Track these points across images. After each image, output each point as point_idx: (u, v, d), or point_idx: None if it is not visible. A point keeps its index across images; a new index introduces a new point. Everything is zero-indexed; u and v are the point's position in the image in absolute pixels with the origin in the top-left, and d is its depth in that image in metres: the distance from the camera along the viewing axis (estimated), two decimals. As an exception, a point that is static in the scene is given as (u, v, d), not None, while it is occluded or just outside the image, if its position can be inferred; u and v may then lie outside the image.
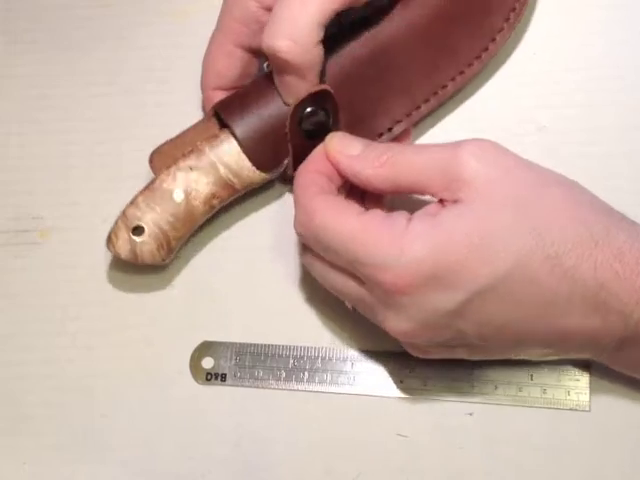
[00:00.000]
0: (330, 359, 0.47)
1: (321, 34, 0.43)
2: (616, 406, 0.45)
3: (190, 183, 0.46)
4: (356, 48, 0.47)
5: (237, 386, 0.47)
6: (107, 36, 0.53)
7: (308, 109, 0.46)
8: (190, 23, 0.52)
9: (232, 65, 0.47)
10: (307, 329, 0.48)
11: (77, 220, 0.50)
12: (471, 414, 0.46)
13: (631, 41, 0.51)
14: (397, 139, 0.48)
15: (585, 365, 0.46)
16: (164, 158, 0.46)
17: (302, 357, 0.47)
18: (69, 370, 0.48)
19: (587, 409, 0.45)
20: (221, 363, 0.47)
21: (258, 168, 0.46)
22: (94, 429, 0.47)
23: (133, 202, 0.46)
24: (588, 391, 0.45)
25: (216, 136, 0.46)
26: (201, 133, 0.47)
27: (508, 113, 0.50)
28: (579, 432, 0.45)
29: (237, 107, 0.46)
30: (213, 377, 0.47)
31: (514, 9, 0.48)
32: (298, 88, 0.45)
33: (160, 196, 0.46)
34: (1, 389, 0.48)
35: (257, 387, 0.47)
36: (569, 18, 0.52)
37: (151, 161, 0.47)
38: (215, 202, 0.46)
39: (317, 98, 0.45)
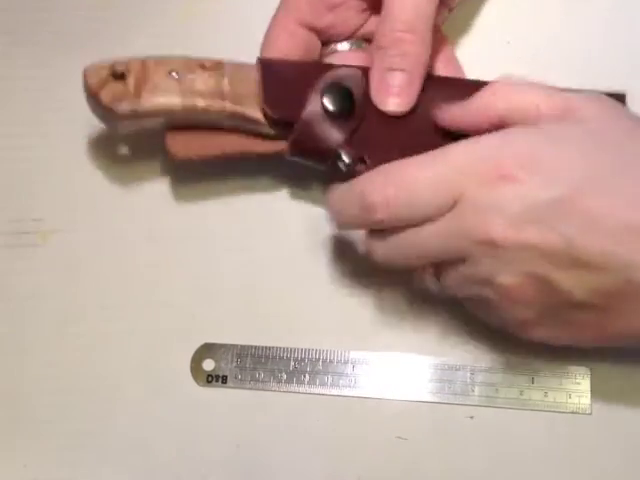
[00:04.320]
0: (331, 361, 0.47)
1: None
2: (617, 409, 0.45)
3: (193, 73, 0.45)
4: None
5: (238, 388, 0.47)
6: (108, 37, 0.53)
7: (326, 99, 0.45)
8: (191, 25, 0.52)
9: (294, 45, 0.47)
10: (308, 331, 0.48)
11: (77, 222, 0.50)
12: (472, 417, 0.46)
13: (632, 43, 0.51)
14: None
15: (586, 368, 0.46)
16: None
17: (303, 359, 0.47)
18: (70, 372, 0.48)
19: (588, 412, 0.45)
20: (222, 365, 0.47)
21: (266, 109, 0.45)
22: (95, 431, 0.47)
23: (141, 59, 0.45)
24: (589, 394, 0.45)
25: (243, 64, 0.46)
26: None
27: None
28: (580, 435, 0.45)
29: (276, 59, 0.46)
30: (214, 379, 0.47)
31: None
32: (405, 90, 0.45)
33: (160, 64, 0.45)
34: (1, 391, 0.48)
35: (258, 389, 0.47)
36: (570, 19, 0.52)
37: None
38: (200, 103, 0.45)
39: (347, 79, 0.45)
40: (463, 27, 0.52)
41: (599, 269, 0.38)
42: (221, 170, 0.49)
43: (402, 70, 0.44)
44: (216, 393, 0.47)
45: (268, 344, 0.47)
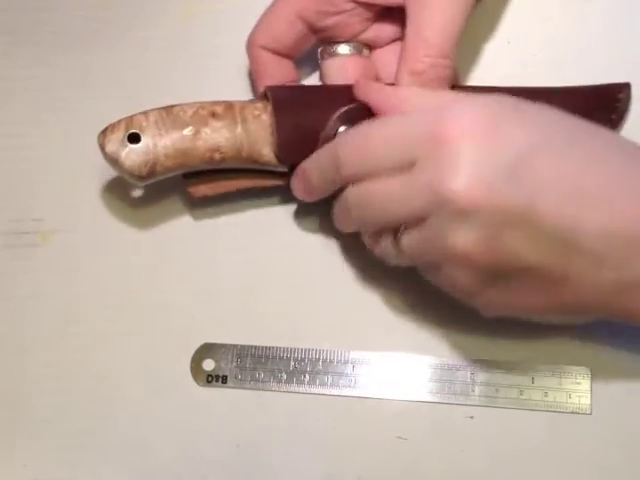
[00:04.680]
0: (331, 361, 0.47)
1: None
2: (617, 409, 0.45)
3: (206, 125, 0.45)
4: None
5: (238, 388, 0.47)
6: (108, 37, 0.53)
7: (341, 128, 0.45)
8: (191, 25, 0.52)
9: (289, 33, 0.47)
10: (308, 331, 0.48)
11: (78, 222, 0.50)
12: (472, 417, 0.46)
13: (632, 43, 0.51)
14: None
15: (586, 368, 0.46)
16: None
17: (303, 359, 0.47)
18: (70, 372, 0.48)
19: (588, 412, 0.45)
20: (222, 365, 0.47)
21: (279, 149, 0.45)
22: (95, 431, 0.47)
23: (146, 113, 0.45)
24: (589, 394, 0.45)
25: (253, 101, 0.47)
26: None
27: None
28: (580, 435, 0.45)
29: (287, 91, 0.47)
30: (214, 379, 0.47)
31: None
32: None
33: (172, 121, 0.45)
34: (1, 391, 0.48)
35: (258, 389, 0.47)
36: (570, 19, 0.52)
37: None
38: (217, 156, 0.46)
39: (353, 116, 0.45)
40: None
41: (550, 233, 0.38)
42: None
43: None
44: (216, 393, 0.47)
45: (268, 344, 0.47)
